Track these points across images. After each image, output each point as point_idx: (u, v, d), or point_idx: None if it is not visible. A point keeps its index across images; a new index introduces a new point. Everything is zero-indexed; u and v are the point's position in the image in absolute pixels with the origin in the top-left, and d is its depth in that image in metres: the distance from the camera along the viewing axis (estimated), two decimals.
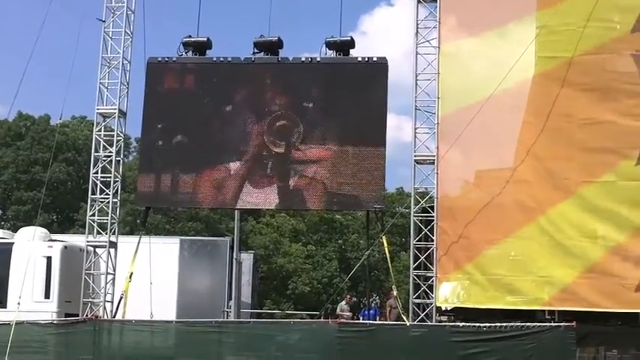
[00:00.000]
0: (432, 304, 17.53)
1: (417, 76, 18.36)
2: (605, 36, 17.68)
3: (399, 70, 25.28)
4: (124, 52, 19.49)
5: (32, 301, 19.50)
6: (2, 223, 46.01)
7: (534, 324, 16.69)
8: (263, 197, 18.69)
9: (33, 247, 20.41)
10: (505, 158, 17.83)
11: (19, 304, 18.80)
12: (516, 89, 17.81)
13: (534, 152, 17.65)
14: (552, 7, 17.93)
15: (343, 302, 21.47)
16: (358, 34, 69.58)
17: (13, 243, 21.32)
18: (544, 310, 17.70)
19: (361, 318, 20.36)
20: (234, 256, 23.64)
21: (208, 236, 36.93)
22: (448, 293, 17.72)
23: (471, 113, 17.68)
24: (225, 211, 39.35)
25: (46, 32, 20.63)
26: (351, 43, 19.04)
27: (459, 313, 18.16)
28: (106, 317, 18.63)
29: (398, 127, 58.52)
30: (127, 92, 19.63)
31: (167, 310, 20.97)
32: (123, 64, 19.46)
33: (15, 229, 26.58)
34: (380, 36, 74.81)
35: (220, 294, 23.59)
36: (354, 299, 23.35)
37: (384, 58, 18.75)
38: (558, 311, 17.35)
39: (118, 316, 18.70)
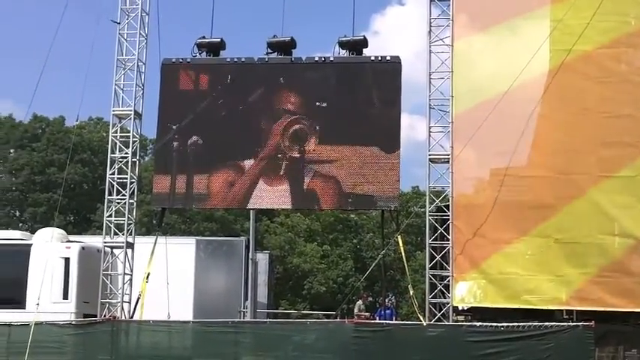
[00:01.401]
0: (448, 303, 17.47)
1: (430, 75, 18.30)
2: (620, 30, 17.54)
3: (411, 69, 25.13)
4: (138, 53, 19.58)
5: (51, 302, 19.56)
6: (19, 224, 46.23)
7: (552, 324, 16.52)
8: (278, 197, 18.72)
9: (51, 249, 20.50)
10: (519, 155, 17.66)
11: (37, 304, 18.90)
12: (530, 84, 17.61)
13: (550, 148, 17.54)
14: (566, 1, 17.81)
15: (360, 301, 21.45)
16: (370, 33, 69.63)
17: (31, 244, 21.34)
18: (562, 310, 17.58)
19: (377, 318, 20.33)
20: (250, 256, 23.67)
21: (223, 236, 36.96)
22: (465, 293, 17.63)
23: (484, 111, 17.55)
24: (240, 211, 39.39)
25: (62, 34, 20.68)
26: (364, 43, 19.02)
27: (476, 312, 18.09)
28: (123, 318, 18.72)
29: (410, 126, 58.66)
30: (143, 93, 19.74)
31: (184, 311, 21.02)
32: (138, 65, 19.55)
33: (32, 231, 26.66)
34: (392, 35, 74.75)
35: (236, 294, 23.61)
36: (370, 299, 23.32)
37: (398, 57, 18.71)
38: (577, 310, 17.21)
39: (136, 317, 18.79)
